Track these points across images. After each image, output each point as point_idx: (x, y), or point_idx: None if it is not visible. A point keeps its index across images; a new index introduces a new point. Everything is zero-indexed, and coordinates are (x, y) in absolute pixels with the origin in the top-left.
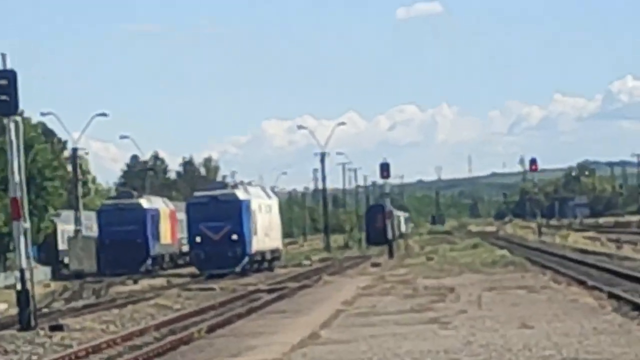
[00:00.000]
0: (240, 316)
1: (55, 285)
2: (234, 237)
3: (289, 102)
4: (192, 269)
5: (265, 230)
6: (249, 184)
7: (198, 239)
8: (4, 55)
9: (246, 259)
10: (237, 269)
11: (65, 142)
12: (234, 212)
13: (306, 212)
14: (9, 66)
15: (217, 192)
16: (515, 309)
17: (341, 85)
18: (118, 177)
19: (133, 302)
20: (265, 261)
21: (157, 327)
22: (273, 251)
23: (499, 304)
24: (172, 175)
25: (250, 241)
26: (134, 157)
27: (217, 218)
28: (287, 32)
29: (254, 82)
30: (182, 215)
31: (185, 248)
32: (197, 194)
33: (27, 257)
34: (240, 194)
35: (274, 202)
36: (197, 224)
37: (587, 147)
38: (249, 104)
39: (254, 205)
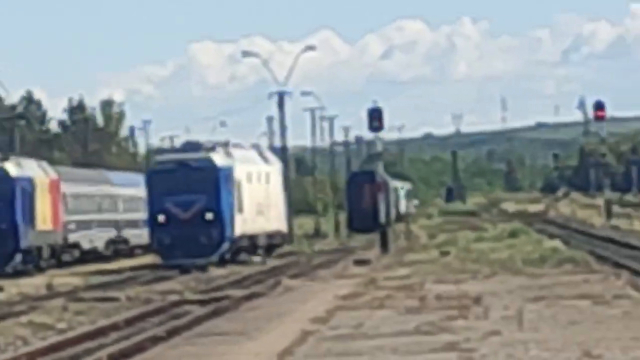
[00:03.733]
0: (156, 340)
1: None
2: (209, 216)
3: (231, 16)
4: (84, 268)
5: (258, 207)
6: (238, 144)
7: (161, 219)
8: None
9: (225, 245)
10: (213, 258)
11: None
12: (209, 183)
13: None
14: None
15: (188, 156)
16: (575, 329)
17: None
18: None
19: None
20: (258, 248)
21: (31, 358)
22: (271, 235)
23: (549, 322)
24: (53, 126)
25: (232, 221)
26: None
27: (187, 190)
28: None
29: None
30: (70, 187)
31: (74, 237)
32: (160, 158)
33: None
34: (219, 158)
35: (274, 169)
36: (161, 199)
37: None
38: (170, 18)
39: (238, 174)
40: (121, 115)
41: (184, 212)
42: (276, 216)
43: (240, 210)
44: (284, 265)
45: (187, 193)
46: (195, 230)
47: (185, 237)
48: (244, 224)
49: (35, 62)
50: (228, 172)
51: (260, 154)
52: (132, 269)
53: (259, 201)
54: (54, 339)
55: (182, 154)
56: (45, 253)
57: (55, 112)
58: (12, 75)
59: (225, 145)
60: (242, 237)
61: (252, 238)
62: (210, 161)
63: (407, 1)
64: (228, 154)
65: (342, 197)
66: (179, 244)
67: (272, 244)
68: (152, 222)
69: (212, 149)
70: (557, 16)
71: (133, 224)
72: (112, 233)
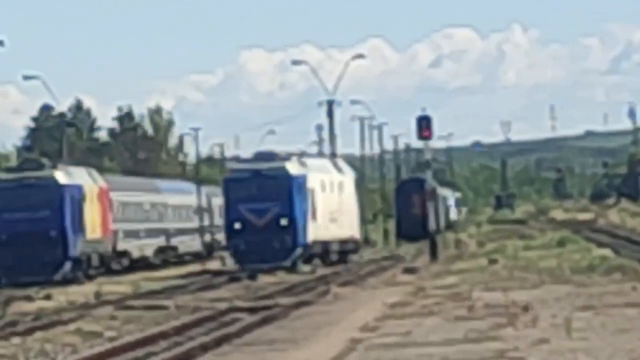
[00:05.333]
0: (205, 348)
1: None
2: (283, 222)
3: (280, 24)
4: (133, 277)
5: (331, 215)
6: (321, 154)
7: (237, 226)
8: None
9: (298, 251)
10: (286, 263)
11: None
12: (283, 191)
13: None
14: None
15: (262, 165)
16: (623, 338)
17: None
18: (21, 137)
19: (43, 326)
20: (331, 254)
21: None
22: (344, 242)
23: (598, 330)
24: (102, 134)
25: (305, 228)
26: (46, 108)
27: (262, 198)
28: None
29: None
30: (119, 196)
31: (123, 245)
32: (236, 166)
33: None
34: (293, 167)
35: (348, 179)
36: (237, 206)
37: None
38: (220, 25)
39: (312, 182)
40: (170, 124)
41: (259, 218)
42: (349, 223)
43: (314, 217)
44: (332, 273)
45: (262, 201)
46: (270, 236)
47: (260, 242)
48: (316, 230)
49: (85, 69)
50: (302, 180)
51: (334, 163)
52: (181, 276)
53: (332, 209)
54: (102, 347)
55: (257, 163)
56: (94, 261)
57: (105, 120)
58: (61, 82)
59: (300, 155)
60: (315, 243)
61: (325, 244)
62: (284, 170)
63: (456, 9)
64: (302, 164)
65: (391, 205)
66: (254, 249)
67: (344, 250)
68: (228, 228)
69: (287, 158)
70: (607, 24)
71: (182, 231)
72: (161, 241)
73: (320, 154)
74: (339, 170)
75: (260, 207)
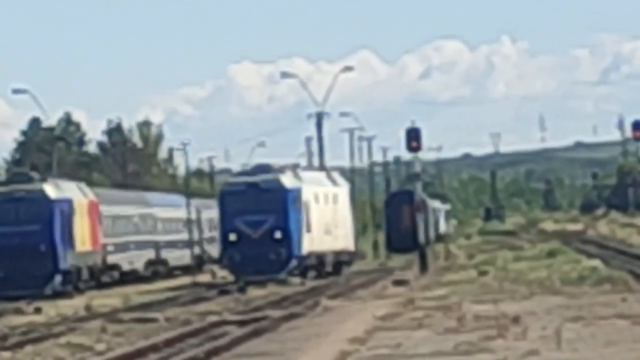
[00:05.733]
0: None
1: None
2: (278, 234)
3: (269, 37)
4: (123, 290)
5: (326, 227)
6: (310, 166)
7: (233, 237)
8: None
9: (293, 263)
10: (281, 276)
11: None
12: (278, 203)
13: None
14: None
15: (258, 178)
16: (613, 349)
17: (348, 12)
18: (10, 150)
19: (34, 340)
20: (326, 266)
21: None
22: (338, 253)
23: (588, 341)
24: (91, 147)
25: (300, 240)
26: (35, 121)
27: (257, 211)
28: None
29: (217, 4)
30: (109, 209)
31: (113, 258)
32: (231, 180)
33: None
34: (287, 180)
35: (342, 191)
36: (232, 219)
37: None
38: (209, 38)
39: (307, 195)
40: (159, 137)
41: (254, 231)
42: (343, 235)
43: (308, 229)
44: (322, 285)
45: (257, 213)
46: (265, 248)
47: (255, 254)
48: (311, 242)
49: (74, 83)
50: (296, 193)
51: (328, 176)
52: (171, 289)
53: (326, 221)
54: None
55: (252, 176)
56: (84, 274)
57: (94, 133)
58: (51, 96)
59: (294, 167)
60: (310, 255)
61: (319, 256)
62: (279, 183)
63: (445, 21)
64: (296, 176)
65: (381, 217)
66: (249, 261)
67: (339, 261)
68: (223, 240)
69: (281, 171)
70: (596, 35)
71: (172, 244)
72: (151, 254)
73: (309, 167)
74: (334, 182)
75: (255, 220)
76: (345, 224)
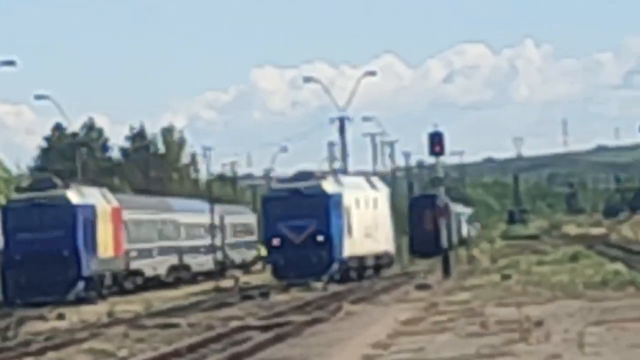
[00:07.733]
0: None
1: None
2: (320, 238)
3: (292, 42)
4: (146, 296)
5: (366, 230)
6: (348, 173)
7: (276, 242)
8: None
9: (335, 266)
10: (324, 278)
11: None
12: (320, 208)
13: None
14: None
15: (300, 184)
16: (636, 353)
17: (371, 16)
18: (33, 156)
19: (56, 346)
20: (367, 268)
21: None
22: (379, 256)
23: (611, 345)
24: (114, 153)
25: (341, 244)
26: (58, 127)
27: (300, 216)
28: None
29: (239, 10)
30: (131, 215)
31: (136, 264)
32: (275, 186)
33: None
34: (329, 185)
35: (382, 195)
36: (276, 224)
37: None
38: (232, 43)
39: (348, 200)
40: (182, 142)
41: (297, 235)
42: (383, 238)
43: (349, 233)
44: (345, 290)
45: (300, 218)
46: (307, 252)
47: (298, 258)
48: (352, 246)
49: (96, 89)
50: (337, 198)
51: (368, 180)
52: (194, 295)
53: (366, 224)
54: None
55: (294, 183)
56: (107, 280)
57: (117, 139)
58: (74, 102)
59: (335, 173)
60: (351, 258)
61: (360, 259)
62: (320, 188)
63: (469, 25)
64: (337, 182)
65: (404, 221)
66: (292, 264)
67: (379, 264)
68: (267, 244)
69: (323, 177)
70: (620, 39)
71: (195, 250)
72: (174, 260)
73: (332, 171)
74: (373, 187)
75: (298, 224)
76: (385, 227)
